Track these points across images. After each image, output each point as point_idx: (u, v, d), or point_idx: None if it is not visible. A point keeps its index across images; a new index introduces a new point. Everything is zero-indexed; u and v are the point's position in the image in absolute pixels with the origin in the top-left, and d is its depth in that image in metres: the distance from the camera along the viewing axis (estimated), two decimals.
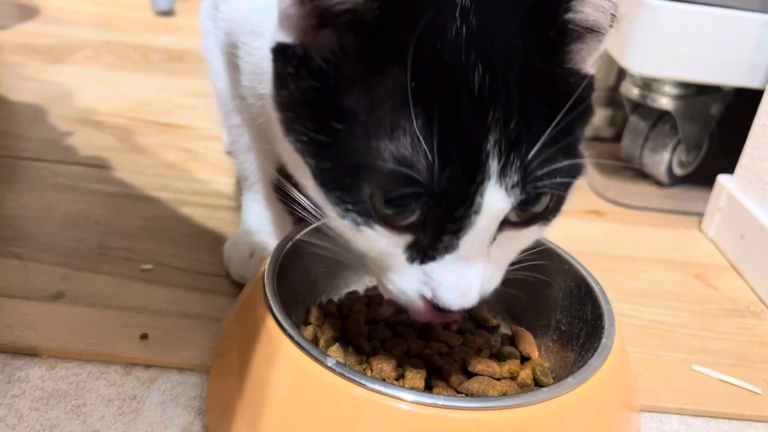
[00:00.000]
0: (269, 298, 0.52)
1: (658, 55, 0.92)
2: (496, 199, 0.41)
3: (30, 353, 0.60)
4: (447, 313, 0.45)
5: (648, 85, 1.02)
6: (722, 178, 0.94)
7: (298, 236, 0.60)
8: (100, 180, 0.89)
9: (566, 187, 0.44)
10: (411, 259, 0.44)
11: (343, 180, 0.42)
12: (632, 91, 1.04)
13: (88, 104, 1.10)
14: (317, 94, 0.42)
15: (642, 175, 1.10)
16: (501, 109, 0.40)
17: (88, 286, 0.68)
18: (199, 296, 0.69)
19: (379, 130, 0.40)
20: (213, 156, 0.99)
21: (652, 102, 1.02)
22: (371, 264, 0.48)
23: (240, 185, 0.79)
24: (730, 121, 1.03)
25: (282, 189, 0.75)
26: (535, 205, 0.44)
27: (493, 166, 0.40)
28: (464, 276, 0.44)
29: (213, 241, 0.79)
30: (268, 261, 0.56)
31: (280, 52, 0.44)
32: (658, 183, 1.08)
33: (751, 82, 0.93)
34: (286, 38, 0.43)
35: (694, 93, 1.00)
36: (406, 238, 0.43)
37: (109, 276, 0.70)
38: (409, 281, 0.45)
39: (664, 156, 1.05)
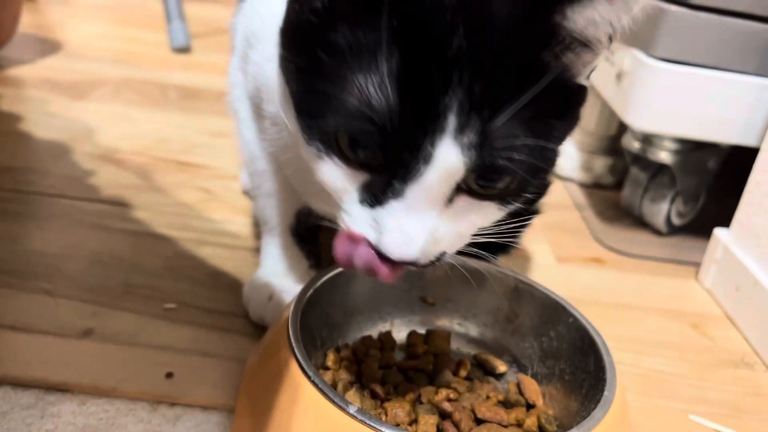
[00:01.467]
0: (293, 343, 0.56)
1: (658, 113, 0.97)
2: (448, 154, 0.41)
3: (62, 389, 0.63)
4: (391, 264, 0.45)
5: (648, 139, 1.06)
6: (718, 232, 0.99)
7: (319, 283, 0.64)
8: (122, 218, 0.93)
9: (530, 168, 0.44)
10: (362, 200, 0.46)
11: (314, 107, 0.44)
12: (633, 144, 1.09)
13: (110, 142, 1.14)
14: (312, 29, 0.44)
15: (641, 223, 1.14)
16: (471, 73, 0.40)
17: (115, 324, 0.72)
18: (221, 336, 0.73)
19: (353, 66, 0.41)
20: (230, 196, 1.03)
21: (652, 155, 1.06)
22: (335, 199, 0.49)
23: (257, 228, 0.83)
24: (727, 175, 1.08)
25: (300, 233, 0.79)
26: (497, 182, 0.45)
27: (451, 121, 0.41)
28: (407, 225, 0.44)
29: (232, 281, 0.82)
30: (292, 306, 0.60)
31: None
32: (657, 232, 1.12)
33: (747, 140, 0.97)
34: None
35: (692, 148, 1.05)
36: (361, 177, 0.45)
37: (135, 314, 0.74)
38: (359, 223, 0.46)
39: (663, 206, 1.09)
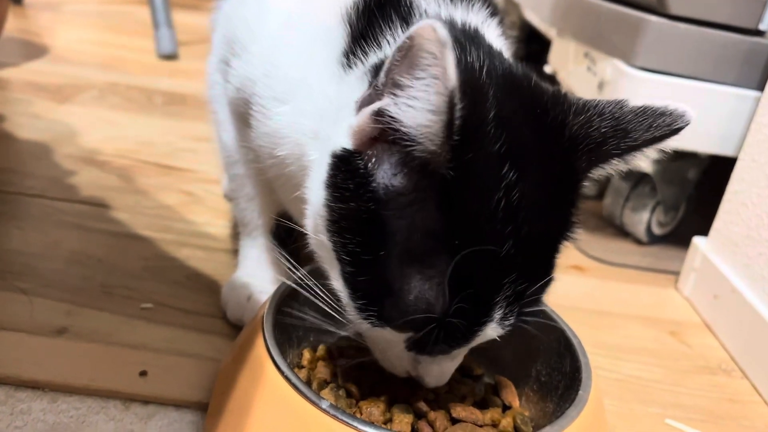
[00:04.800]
0: (267, 341, 0.55)
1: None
2: (491, 332, 0.49)
3: (33, 386, 0.62)
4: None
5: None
6: (697, 240, 0.99)
7: (295, 278, 0.64)
8: (103, 219, 0.92)
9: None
10: (408, 348, 0.51)
11: (371, 293, 0.48)
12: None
13: (93, 144, 1.14)
14: (370, 215, 0.46)
15: (622, 233, 1.15)
16: (518, 274, 0.46)
17: (90, 323, 0.71)
18: (197, 336, 0.72)
19: (411, 262, 0.46)
20: (212, 199, 1.03)
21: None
22: (369, 342, 0.55)
23: (237, 230, 0.83)
24: (707, 184, 1.09)
25: (278, 235, 0.79)
26: None
27: (498, 313, 0.47)
28: (446, 367, 0.54)
29: (211, 282, 0.82)
30: (267, 304, 0.60)
31: (342, 159, 0.47)
32: (638, 241, 1.13)
33: (726, 150, 0.98)
34: (349, 145, 0.47)
35: (673, 158, 1.05)
36: (409, 335, 0.50)
37: (111, 313, 0.73)
38: (402, 361, 0.53)
39: (644, 216, 1.10)
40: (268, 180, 0.71)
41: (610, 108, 0.50)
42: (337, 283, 0.50)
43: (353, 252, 0.47)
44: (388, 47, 0.52)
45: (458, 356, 0.54)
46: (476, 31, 0.54)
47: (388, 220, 0.46)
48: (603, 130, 0.49)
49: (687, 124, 0.51)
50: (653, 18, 0.94)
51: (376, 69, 0.50)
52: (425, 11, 0.54)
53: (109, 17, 1.98)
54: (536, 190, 0.47)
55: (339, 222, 0.48)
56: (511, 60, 0.53)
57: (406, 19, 0.53)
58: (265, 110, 0.60)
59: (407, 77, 0.42)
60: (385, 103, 0.45)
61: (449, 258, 0.45)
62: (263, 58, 0.61)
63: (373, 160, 0.46)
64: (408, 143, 0.44)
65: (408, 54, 0.42)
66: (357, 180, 0.46)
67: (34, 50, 1.57)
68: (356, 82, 0.52)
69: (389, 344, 0.52)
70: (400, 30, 0.53)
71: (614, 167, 0.51)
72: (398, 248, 0.46)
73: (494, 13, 0.59)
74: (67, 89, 1.37)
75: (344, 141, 0.47)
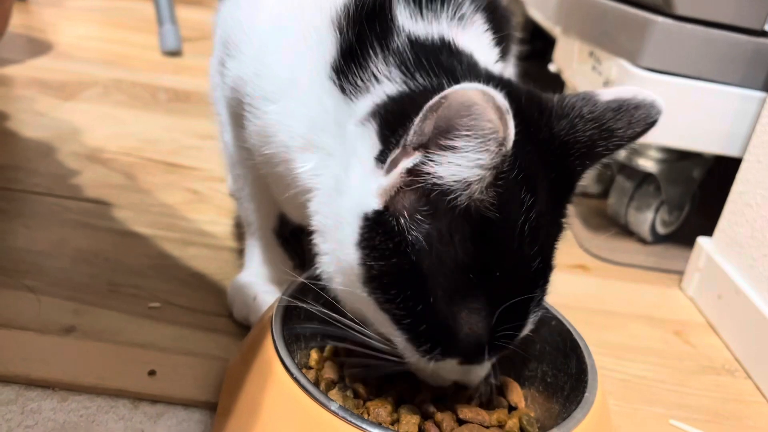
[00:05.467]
0: (276, 341, 0.56)
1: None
2: (524, 333, 0.53)
3: (43, 385, 0.62)
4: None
5: (634, 148, 1.07)
6: (702, 240, 0.99)
7: (303, 282, 0.64)
8: (108, 217, 0.92)
9: None
10: (460, 363, 0.53)
11: (428, 336, 0.50)
12: (619, 153, 1.09)
13: (98, 142, 1.14)
14: (411, 266, 0.48)
15: (627, 232, 1.15)
16: (544, 285, 0.51)
17: (98, 321, 0.72)
18: (204, 335, 0.72)
19: (458, 299, 0.48)
20: (218, 198, 1.03)
21: (638, 164, 1.07)
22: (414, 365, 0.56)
23: (242, 229, 0.83)
24: (711, 184, 1.09)
25: (284, 235, 0.79)
26: None
27: (532, 318, 0.52)
28: (486, 367, 0.57)
29: (217, 281, 0.82)
30: (276, 305, 0.60)
31: (376, 221, 0.48)
32: (642, 240, 1.13)
33: (730, 151, 0.98)
34: (378, 205, 0.48)
35: (677, 158, 1.06)
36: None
37: (118, 312, 0.74)
38: (452, 375, 0.56)
39: (648, 215, 1.10)
40: (265, 178, 0.71)
41: (585, 107, 0.52)
42: (389, 330, 0.52)
43: (404, 305, 0.49)
44: (385, 82, 0.52)
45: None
46: (472, 56, 0.55)
47: (429, 265, 0.47)
48: (588, 133, 0.52)
49: (660, 114, 0.53)
50: (659, 18, 0.94)
51: (387, 120, 0.50)
52: (402, 27, 0.54)
53: (113, 13, 1.98)
54: (546, 204, 0.50)
55: (381, 278, 0.49)
56: (504, 75, 0.57)
57: (386, 39, 0.53)
58: (255, 109, 0.60)
59: (453, 138, 0.44)
60: (421, 161, 0.46)
61: (489, 288, 0.48)
62: (254, 57, 0.61)
63: (405, 214, 0.47)
64: (448, 195, 0.46)
65: (447, 114, 0.43)
66: (396, 239, 0.47)
67: (38, 47, 1.57)
68: (359, 130, 0.52)
69: (441, 367, 0.54)
70: (390, 59, 0.53)
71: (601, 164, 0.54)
72: (442, 290, 0.48)
73: (481, 8, 0.60)
74: (71, 86, 1.37)
75: (374, 202, 0.48)
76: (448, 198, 0.46)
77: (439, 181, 0.45)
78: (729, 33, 0.94)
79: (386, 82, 0.52)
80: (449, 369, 0.54)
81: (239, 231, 0.93)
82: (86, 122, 1.21)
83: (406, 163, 0.46)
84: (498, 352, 0.53)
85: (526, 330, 0.53)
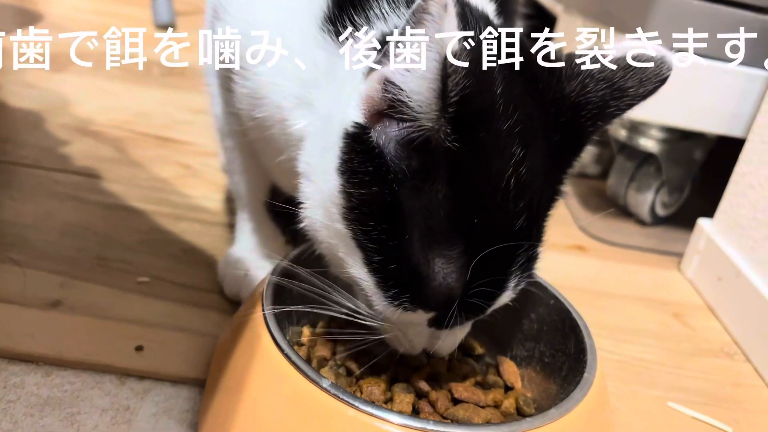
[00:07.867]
0: (267, 317, 0.54)
1: (646, 100, 0.96)
2: (505, 298, 0.50)
3: (27, 360, 0.61)
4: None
5: (635, 127, 1.05)
6: (702, 222, 0.98)
7: (294, 256, 0.62)
8: (98, 191, 0.90)
9: None
10: (429, 325, 0.51)
11: (400, 280, 0.47)
12: (620, 133, 1.08)
13: (88, 114, 1.11)
14: (393, 197, 0.45)
15: (626, 213, 1.13)
16: (530, 250, 0.49)
17: (85, 296, 0.70)
18: (194, 311, 0.71)
19: (433, 245, 0.46)
20: (209, 172, 1.01)
21: (639, 144, 1.06)
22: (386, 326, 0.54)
23: (232, 204, 0.81)
24: (712, 166, 1.07)
25: (274, 208, 0.78)
26: None
27: (513, 282, 0.49)
28: (460, 335, 0.55)
29: (208, 257, 0.80)
30: (266, 280, 0.58)
31: (356, 139, 0.46)
32: (641, 222, 1.11)
33: (733, 131, 0.97)
34: (359, 117, 0.46)
35: (679, 138, 1.04)
36: (432, 314, 0.50)
37: (106, 287, 0.72)
38: (421, 339, 0.54)
39: (648, 196, 1.09)
40: (254, 147, 0.69)
41: (595, 65, 0.50)
42: (359, 272, 0.49)
43: (379, 239, 0.46)
44: (384, 20, 0.50)
45: (470, 323, 0.55)
46: (484, 10, 0.53)
47: (407, 202, 0.45)
48: (600, 93, 0.49)
49: (671, 71, 0.51)
50: None
51: (382, 41, 0.48)
52: None
53: None
54: (542, 165, 0.47)
55: (360, 208, 0.46)
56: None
57: None
58: (244, 71, 0.58)
59: (410, 40, 0.41)
60: (390, 68, 0.43)
61: (468, 238, 0.45)
62: (241, 17, 0.59)
63: (383, 136, 0.45)
64: (409, 116, 0.43)
65: (415, 15, 0.40)
66: (376, 161, 0.45)
67: (27, 17, 1.53)
68: (351, 53, 0.49)
69: (410, 325, 0.52)
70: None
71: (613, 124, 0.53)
72: (419, 231, 0.46)
73: None
74: (61, 57, 1.34)
75: (354, 113, 0.46)
76: (411, 121, 0.43)
77: (403, 97, 0.43)
78: (735, 9, 0.92)
79: (381, 24, 0.50)
80: (418, 331, 0.53)
81: (231, 206, 0.91)
82: (76, 94, 1.18)
83: (383, 70, 0.44)
84: (470, 313, 0.50)
85: (506, 298, 0.50)
